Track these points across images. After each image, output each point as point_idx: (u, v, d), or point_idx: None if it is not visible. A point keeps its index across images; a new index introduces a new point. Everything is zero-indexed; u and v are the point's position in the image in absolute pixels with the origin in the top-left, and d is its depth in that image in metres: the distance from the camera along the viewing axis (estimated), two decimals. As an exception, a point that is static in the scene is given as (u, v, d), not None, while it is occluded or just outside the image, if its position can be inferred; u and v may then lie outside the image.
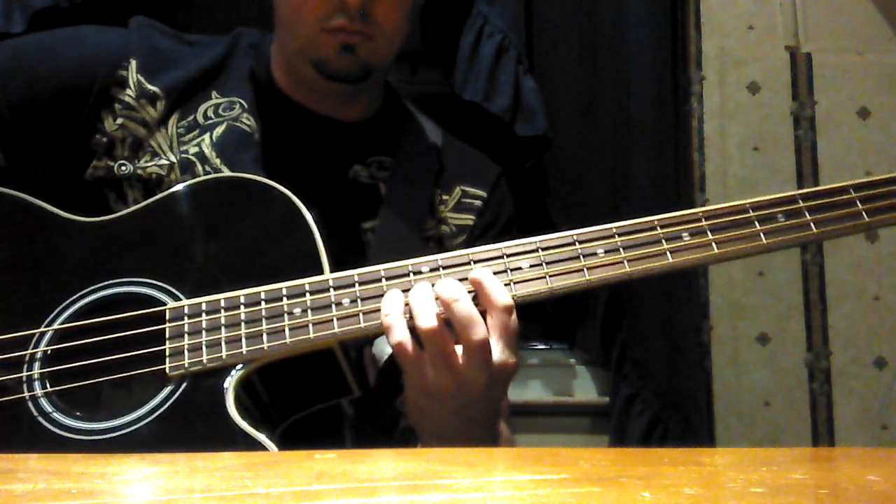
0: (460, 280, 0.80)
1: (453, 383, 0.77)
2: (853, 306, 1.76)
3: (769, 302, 1.76)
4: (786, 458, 0.60)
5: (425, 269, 0.82)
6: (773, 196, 0.85)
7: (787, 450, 0.68)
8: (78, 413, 0.80)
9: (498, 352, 0.77)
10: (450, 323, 0.77)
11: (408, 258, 0.83)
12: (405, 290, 0.80)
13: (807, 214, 0.84)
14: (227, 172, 0.98)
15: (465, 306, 0.76)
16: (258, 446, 0.75)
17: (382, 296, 0.80)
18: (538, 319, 1.81)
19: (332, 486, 0.50)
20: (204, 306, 0.82)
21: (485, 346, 0.76)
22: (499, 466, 0.57)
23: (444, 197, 1.09)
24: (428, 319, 0.76)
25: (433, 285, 0.79)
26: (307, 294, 0.82)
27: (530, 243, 0.83)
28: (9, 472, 0.55)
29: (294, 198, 0.88)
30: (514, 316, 0.78)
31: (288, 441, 0.82)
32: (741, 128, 1.80)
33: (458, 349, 0.77)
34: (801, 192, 0.85)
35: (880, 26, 1.83)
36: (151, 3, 1.51)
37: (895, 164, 1.77)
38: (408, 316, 0.78)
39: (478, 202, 1.09)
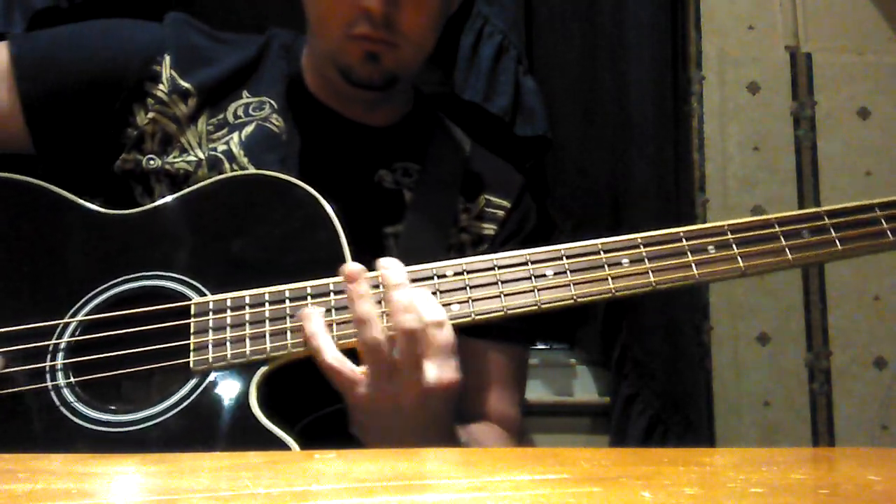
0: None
1: (389, 399, 0.76)
2: (853, 306, 1.76)
3: (769, 302, 1.76)
4: (786, 458, 0.60)
5: (449, 272, 0.82)
6: (797, 212, 0.85)
7: (787, 450, 0.68)
8: (101, 404, 0.80)
9: (432, 367, 0.76)
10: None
11: None
12: (328, 309, 0.80)
13: (832, 231, 0.84)
14: (253, 170, 0.97)
15: (405, 293, 0.76)
16: (279, 443, 0.75)
17: None
18: (538, 319, 1.81)
19: (332, 486, 0.50)
20: (229, 302, 0.82)
21: (415, 336, 0.75)
22: (499, 466, 0.57)
23: (468, 205, 1.08)
24: (373, 330, 0.75)
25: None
26: (332, 294, 0.81)
27: (555, 251, 0.83)
28: (9, 472, 0.55)
29: (319, 197, 0.87)
30: (445, 330, 0.76)
31: (307, 438, 0.82)
32: (741, 128, 1.80)
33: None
34: (826, 209, 0.85)
35: (880, 26, 1.83)
36: (151, 3, 1.51)
37: (895, 164, 1.77)
38: (334, 331, 0.77)
39: (501, 212, 1.08)
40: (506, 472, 0.54)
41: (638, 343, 1.66)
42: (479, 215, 1.07)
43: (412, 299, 0.76)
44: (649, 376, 1.65)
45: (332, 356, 0.76)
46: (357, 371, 0.76)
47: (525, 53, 1.68)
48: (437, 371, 0.76)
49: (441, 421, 0.81)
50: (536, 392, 1.74)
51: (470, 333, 1.02)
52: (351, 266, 0.79)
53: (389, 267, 0.78)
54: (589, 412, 1.73)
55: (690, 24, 1.80)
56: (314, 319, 0.78)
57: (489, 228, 1.07)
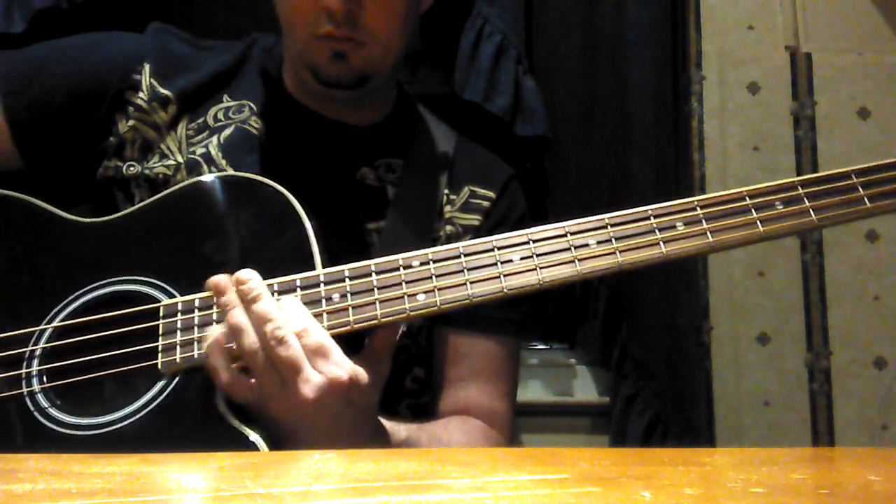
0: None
1: (283, 403, 0.75)
2: (853, 306, 1.76)
3: (769, 302, 1.76)
4: (786, 458, 0.60)
5: (416, 263, 0.81)
6: (772, 183, 0.83)
7: (787, 450, 0.68)
8: (74, 408, 0.80)
9: (317, 367, 0.74)
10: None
11: None
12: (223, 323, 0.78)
13: (806, 201, 0.81)
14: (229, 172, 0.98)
15: (264, 304, 0.75)
16: (246, 441, 0.75)
17: (373, 290, 0.79)
18: (538, 319, 1.81)
19: (332, 486, 0.50)
20: (197, 302, 0.82)
21: (293, 364, 0.73)
22: (499, 466, 0.57)
23: (452, 197, 1.07)
24: (248, 338, 0.74)
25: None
26: (298, 290, 0.81)
27: (521, 235, 0.82)
28: (9, 472, 0.55)
29: (288, 194, 0.87)
30: (310, 336, 0.74)
31: None
32: (741, 128, 1.80)
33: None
34: (800, 178, 0.83)
35: (880, 26, 1.83)
36: (150, 3, 1.51)
37: (895, 164, 1.77)
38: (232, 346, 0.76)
39: (486, 203, 1.08)
40: (506, 472, 0.54)
41: (638, 343, 1.66)
42: (463, 206, 1.07)
43: (269, 308, 0.75)
44: (649, 376, 1.65)
45: (226, 375, 0.76)
46: (251, 381, 0.76)
47: (525, 53, 1.68)
48: (324, 370, 0.74)
49: (348, 419, 0.78)
50: (536, 392, 1.74)
51: (455, 325, 1.03)
52: (216, 277, 0.79)
53: (247, 280, 0.77)
54: (589, 412, 1.73)
55: (690, 24, 1.80)
56: (206, 343, 0.77)
57: (474, 219, 1.07)
